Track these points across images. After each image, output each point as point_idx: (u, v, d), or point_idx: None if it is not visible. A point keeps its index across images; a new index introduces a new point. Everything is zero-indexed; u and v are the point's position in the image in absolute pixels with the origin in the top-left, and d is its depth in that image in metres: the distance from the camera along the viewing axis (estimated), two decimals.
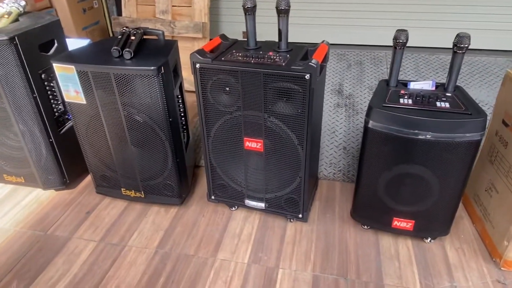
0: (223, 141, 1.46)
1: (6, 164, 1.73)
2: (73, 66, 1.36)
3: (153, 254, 1.47)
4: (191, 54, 1.30)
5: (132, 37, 1.47)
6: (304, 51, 1.36)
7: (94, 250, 1.50)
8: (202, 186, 1.84)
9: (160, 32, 1.59)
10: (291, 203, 1.52)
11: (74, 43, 2.38)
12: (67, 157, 1.76)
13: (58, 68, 1.39)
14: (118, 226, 1.61)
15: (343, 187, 1.80)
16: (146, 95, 1.37)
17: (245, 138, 1.42)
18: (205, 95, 1.37)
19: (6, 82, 1.47)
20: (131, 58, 1.37)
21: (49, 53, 1.60)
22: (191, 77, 1.37)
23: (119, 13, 2.88)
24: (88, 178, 1.90)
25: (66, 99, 1.47)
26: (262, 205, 1.56)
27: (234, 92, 1.33)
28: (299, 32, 2.91)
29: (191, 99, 2.00)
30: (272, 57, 1.29)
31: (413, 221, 1.39)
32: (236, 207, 1.67)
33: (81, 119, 1.52)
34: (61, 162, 1.73)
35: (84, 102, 1.45)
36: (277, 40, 1.37)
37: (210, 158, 1.53)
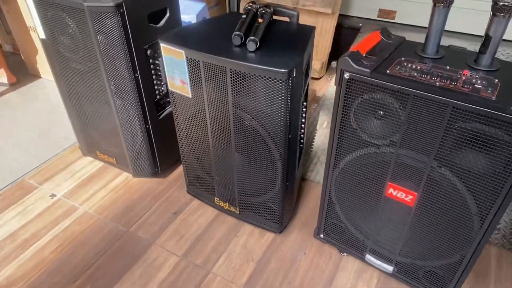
0: (355, 177, 1.07)
1: (101, 139, 1.57)
2: (183, 51, 1.06)
3: None
4: (341, 58, 0.90)
5: (260, 19, 1.11)
6: None
7: (175, 268, 1.27)
8: (306, 206, 1.49)
9: (295, 13, 1.20)
10: (435, 279, 1.08)
11: (188, 6, 2.11)
12: (162, 145, 1.53)
13: (166, 50, 1.10)
14: (205, 241, 1.36)
15: None
16: (267, 101, 1.02)
17: (389, 184, 1.00)
18: (345, 115, 0.97)
19: (107, 55, 1.24)
20: (255, 50, 1.02)
21: (158, 25, 1.33)
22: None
23: None
24: (180, 169, 1.68)
25: (169, 87, 1.20)
26: (389, 268, 1.16)
27: (391, 120, 0.91)
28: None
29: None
30: (469, 79, 0.82)
31: None
32: (346, 253, 1.29)
33: (183, 113, 1.24)
34: (155, 151, 1.52)
35: (190, 95, 1.16)
36: (458, 43, 0.89)
37: (331, 192, 1.15)
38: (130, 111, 1.37)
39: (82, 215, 1.47)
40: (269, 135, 1.09)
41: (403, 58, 0.92)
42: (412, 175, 0.95)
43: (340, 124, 0.99)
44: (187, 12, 2.02)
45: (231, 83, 1.04)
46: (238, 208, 1.36)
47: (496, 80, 0.82)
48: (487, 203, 0.86)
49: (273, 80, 0.97)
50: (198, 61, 1.05)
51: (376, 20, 2.50)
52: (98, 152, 1.62)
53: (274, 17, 1.21)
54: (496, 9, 0.80)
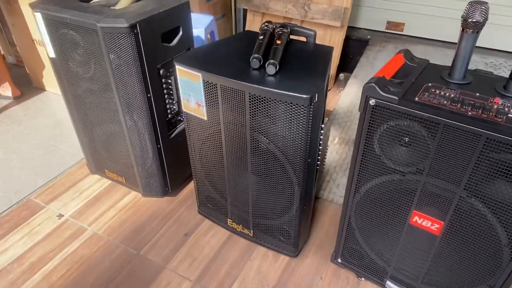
0: (377, 204, 1.03)
1: (109, 158, 1.53)
2: (200, 74, 1.03)
3: None
4: (366, 85, 0.87)
5: (278, 40, 1.08)
6: None
7: None
8: (320, 227, 1.45)
9: (312, 33, 1.17)
10: None
11: (196, 20, 2.09)
12: (173, 164, 1.50)
13: (182, 72, 1.07)
14: (218, 264, 1.32)
15: None
16: (286, 126, 0.99)
17: (414, 212, 0.97)
18: (369, 141, 0.94)
19: (120, 74, 1.21)
20: (275, 74, 0.99)
21: (171, 44, 1.30)
22: None
23: None
24: (190, 187, 1.65)
25: (183, 109, 1.17)
26: None
27: (418, 148, 0.88)
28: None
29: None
30: (502, 108, 0.79)
31: None
32: (364, 278, 1.25)
33: (197, 134, 1.21)
34: (166, 170, 1.48)
35: (205, 118, 1.13)
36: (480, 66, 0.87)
37: (350, 218, 1.12)
38: (142, 131, 1.34)
39: (91, 236, 1.43)
40: (288, 159, 1.06)
41: (430, 84, 0.89)
42: (439, 204, 0.92)
43: (364, 150, 0.96)
44: (195, 26, 1.99)
45: (250, 107, 1.01)
46: (252, 230, 1.32)
47: None
48: None
49: (294, 105, 0.94)
50: (216, 84, 1.02)
51: (384, 32, 2.49)
52: (107, 170, 1.59)
53: (291, 36, 1.19)
54: None
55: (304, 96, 0.91)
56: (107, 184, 1.66)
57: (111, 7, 1.25)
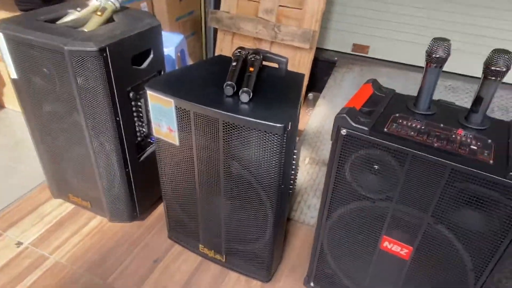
0: (349, 229, 1.05)
1: (75, 182, 1.47)
2: (172, 100, 1.02)
3: None
4: (338, 116, 0.89)
5: (250, 68, 1.09)
6: (508, 132, 0.89)
7: None
8: (292, 249, 1.45)
9: (284, 60, 1.19)
10: None
11: (166, 38, 2.07)
12: (142, 187, 1.46)
13: (153, 98, 1.06)
14: None
15: None
16: (260, 153, 1.00)
17: (384, 237, 1.00)
18: (341, 168, 0.96)
19: (87, 98, 1.17)
20: (248, 101, 1.00)
21: (142, 67, 1.28)
22: None
23: (217, 5, 2.54)
24: (159, 211, 1.60)
25: (155, 134, 1.15)
26: None
27: (388, 177, 0.91)
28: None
29: None
30: (464, 140, 0.84)
31: None
32: None
33: (168, 159, 1.19)
34: (134, 194, 1.44)
35: (177, 143, 1.11)
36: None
37: (323, 242, 1.13)
38: (110, 155, 1.29)
39: (53, 265, 1.35)
40: (261, 185, 1.06)
41: (397, 115, 0.93)
42: (408, 230, 0.95)
43: (336, 177, 0.98)
44: (165, 45, 1.97)
45: (223, 134, 1.00)
46: (224, 255, 1.30)
47: (489, 140, 0.85)
48: (483, 260, 0.87)
49: (268, 133, 0.95)
50: (189, 111, 1.01)
51: (350, 54, 2.58)
52: (71, 195, 1.52)
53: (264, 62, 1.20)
54: (488, 72, 0.82)
55: (278, 125, 0.92)
56: (71, 208, 1.59)
57: (79, 29, 1.21)
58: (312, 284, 1.25)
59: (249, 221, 1.17)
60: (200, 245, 1.34)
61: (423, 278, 1.00)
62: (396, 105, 0.98)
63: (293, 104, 1.01)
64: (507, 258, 0.84)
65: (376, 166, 0.91)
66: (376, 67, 2.41)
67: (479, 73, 0.85)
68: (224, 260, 1.32)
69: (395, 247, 0.99)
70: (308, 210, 1.64)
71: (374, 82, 1.05)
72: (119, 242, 1.46)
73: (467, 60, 2.26)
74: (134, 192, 1.43)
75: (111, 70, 1.14)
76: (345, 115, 0.88)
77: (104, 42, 1.09)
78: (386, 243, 1.00)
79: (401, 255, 0.99)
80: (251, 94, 1.00)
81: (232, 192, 1.12)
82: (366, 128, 0.86)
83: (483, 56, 0.84)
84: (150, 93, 1.05)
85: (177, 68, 1.85)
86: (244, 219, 1.18)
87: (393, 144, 0.85)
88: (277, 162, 0.99)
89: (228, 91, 1.01)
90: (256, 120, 0.93)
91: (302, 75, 1.18)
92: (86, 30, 1.20)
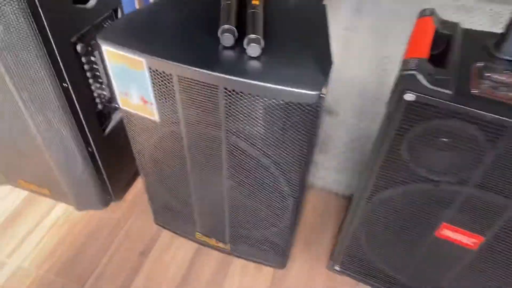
0: (395, 213, 0.82)
1: (24, 165, 1.13)
2: (143, 60, 0.67)
3: None
4: (404, 73, 0.59)
5: (253, 0, 0.73)
6: None
7: None
8: (304, 220, 1.23)
9: None
10: None
11: None
12: (113, 164, 1.15)
13: (113, 56, 0.70)
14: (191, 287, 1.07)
15: None
16: (280, 131, 0.70)
17: (444, 224, 0.77)
18: (395, 143, 0.69)
19: (13, 60, 0.80)
20: (259, 56, 0.67)
21: (88, 5, 0.88)
22: None
23: None
24: (138, 187, 1.31)
25: (122, 106, 0.81)
26: None
27: (467, 155, 0.64)
28: None
29: None
30: None
31: None
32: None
33: (145, 136, 0.87)
34: (104, 175, 1.13)
35: (157, 119, 0.78)
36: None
37: (358, 227, 0.89)
38: (63, 133, 0.95)
39: (13, 273, 1.07)
40: (281, 170, 0.78)
41: (481, 64, 0.64)
42: (481, 218, 0.72)
43: (387, 153, 0.71)
44: None
45: (226, 106, 0.68)
46: (229, 244, 1.06)
47: None
48: None
49: (295, 105, 0.64)
50: (170, 74, 0.67)
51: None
52: (22, 180, 1.18)
53: None
54: None
55: (310, 92, 0.61)
56: (24, 195, 1.26)
57: None
58: (337, 268, 1.05)
59: (261, 208, 0.91)
60: (197, 233, 1.09)
61: (491, 271, 0.80)
62: (472, 48, 0.68)
63: (323, 55, 0.69)
64: None
65: (448, 142, 0.64)
66: None
67: None
68: (228, 248, 1.08)
69: (461, 237, 0.77)
70: (315, 169, 1.40)
71: (434, 14, 0.73)
72: (94, 233, 1.18)
73: None
74: (103, 172, 1.12)
75: (41, 13, 0.75)
76: (415, 72, 0.58)
77: None
78: (446, 231, 0.78)
79: (466, 245, 0.78)
80: (263, 43, 0.66)
81: (238, 173, 0.84)
82: (449, 92, 0.57)
83: None
84: (106, 48, 0.69)
85: (138, 7, 1.41)
86: (255, 204, 0.91)
87: (489, 114, 0.57)
88: (305, 142, 0.70)
89: (227, 39, 0.67)
90: (275, 86, 0.62)
91: (323, 6, 0.84)
92: None
